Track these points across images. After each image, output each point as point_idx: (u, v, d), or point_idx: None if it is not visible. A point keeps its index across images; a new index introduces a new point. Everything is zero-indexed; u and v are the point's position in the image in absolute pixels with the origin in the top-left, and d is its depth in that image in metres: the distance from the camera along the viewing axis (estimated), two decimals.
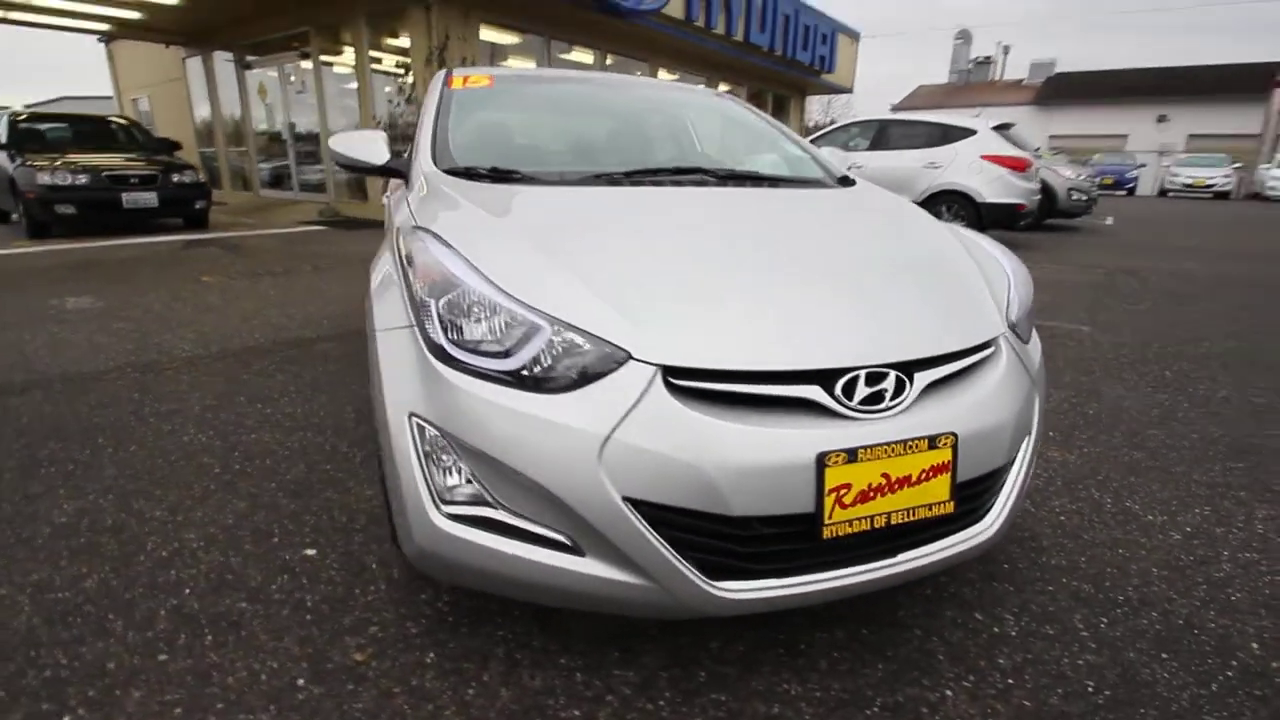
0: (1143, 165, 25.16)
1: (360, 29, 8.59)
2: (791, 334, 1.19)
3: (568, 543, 1.14)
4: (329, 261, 6.20)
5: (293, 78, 10.28)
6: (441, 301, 1.25)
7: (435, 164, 1.84)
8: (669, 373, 1.12)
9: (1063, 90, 35.58)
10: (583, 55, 10.34)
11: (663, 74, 11.98)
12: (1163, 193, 23.29)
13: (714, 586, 1.12)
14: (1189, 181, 21.71)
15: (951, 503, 1.22)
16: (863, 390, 1.16)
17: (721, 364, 1.12)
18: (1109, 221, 11.80)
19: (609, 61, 10.71)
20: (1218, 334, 4.01)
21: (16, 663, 1.31)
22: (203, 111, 12.59)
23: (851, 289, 1.35)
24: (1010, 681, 1.31)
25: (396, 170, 1.99)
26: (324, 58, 9.59)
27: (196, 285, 5.06)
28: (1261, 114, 26.39)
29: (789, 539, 1.14)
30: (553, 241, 1.38)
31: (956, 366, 1.28)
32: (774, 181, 2.08)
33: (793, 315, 1.24)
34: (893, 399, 1.18)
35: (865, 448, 1.13)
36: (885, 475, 1.15)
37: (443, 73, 2.45)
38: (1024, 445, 1.38)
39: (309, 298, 4.70)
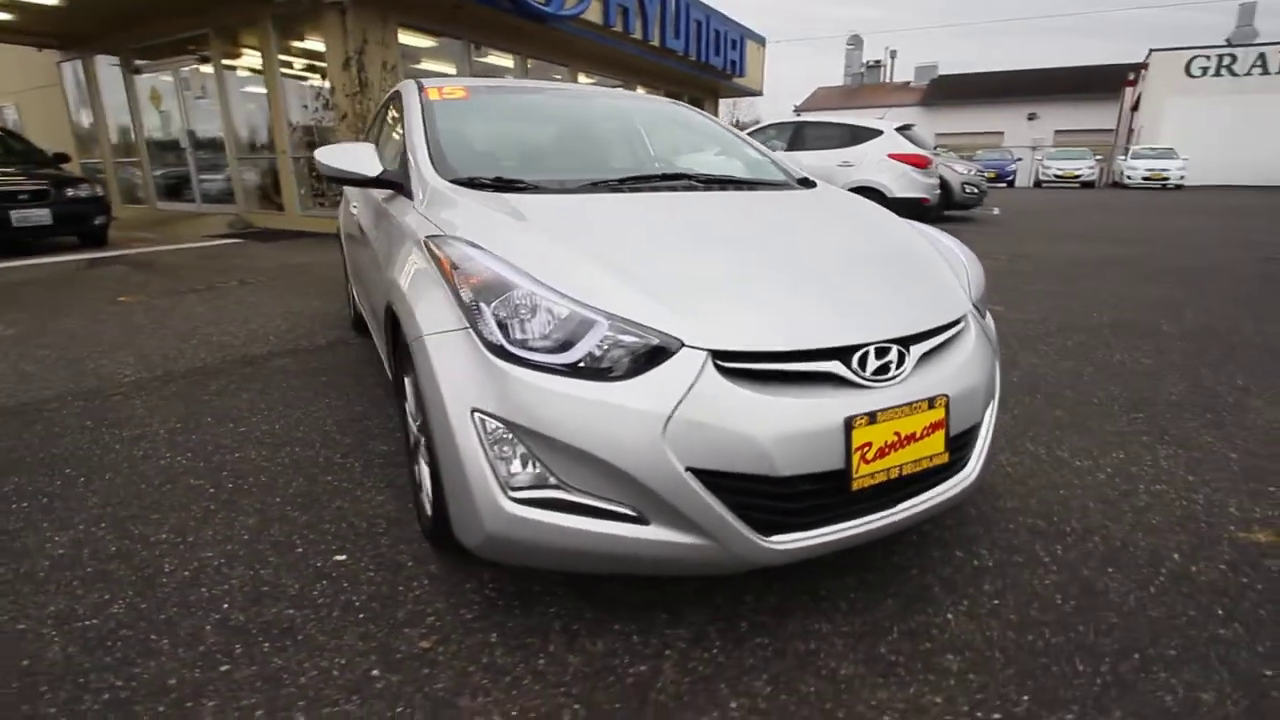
0: (1019, 159, 27.61)
1: (268, 32, 8.19)
2: (811, 318, 1.38)
3: (632, 514, 1.26)
4: (256, 276, 5.93)
5: (191, 83, 9.64)
6: (495, 303, 1.34)
7: (439, 174, 1.90)
8: (716, 356, 1.27)
9: (945, 91, 38.40)
10: (502, 60, 10.28)
11: (582, 78, 12.09)
12: (1038, 184, 25.65)
13: (765, 540, 1.28)
14: (1060, 173, 24.03)
15: (946, 454, 1.44)
16: (873, 363, 1.36)
17: (761, 346, 1.29)
18: (996, 212, 12.93)
19: (530, 66, 10.70)
20: (1105, 308, 4.59)
21: (68, 689, 1.30)
22: (83, 119, 11.55)
23: (850, 278, 1.56)
24: (996, 602, 1.55)
25: (391, 182, 2.03)
26: (226, 61, 9.06)
27: (116, 306, 4.74)
28: (1115, 110, 29.59)
29: (824, 494, 1.32)
30: (581, 243, 1.50)
31: (941, 339, 1.50)
32: (750, 185, 2.27)
33: (809, 302, 1.42)
34: (896, 369, 1.38)
35: (881, 410, 1.33)
36: (896, 433, 1.35)
37: (412, 84, 2.49)
38: (991, 404, 1.63)
39: (247, 314, 4.51)
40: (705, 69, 14.02)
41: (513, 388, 1.28)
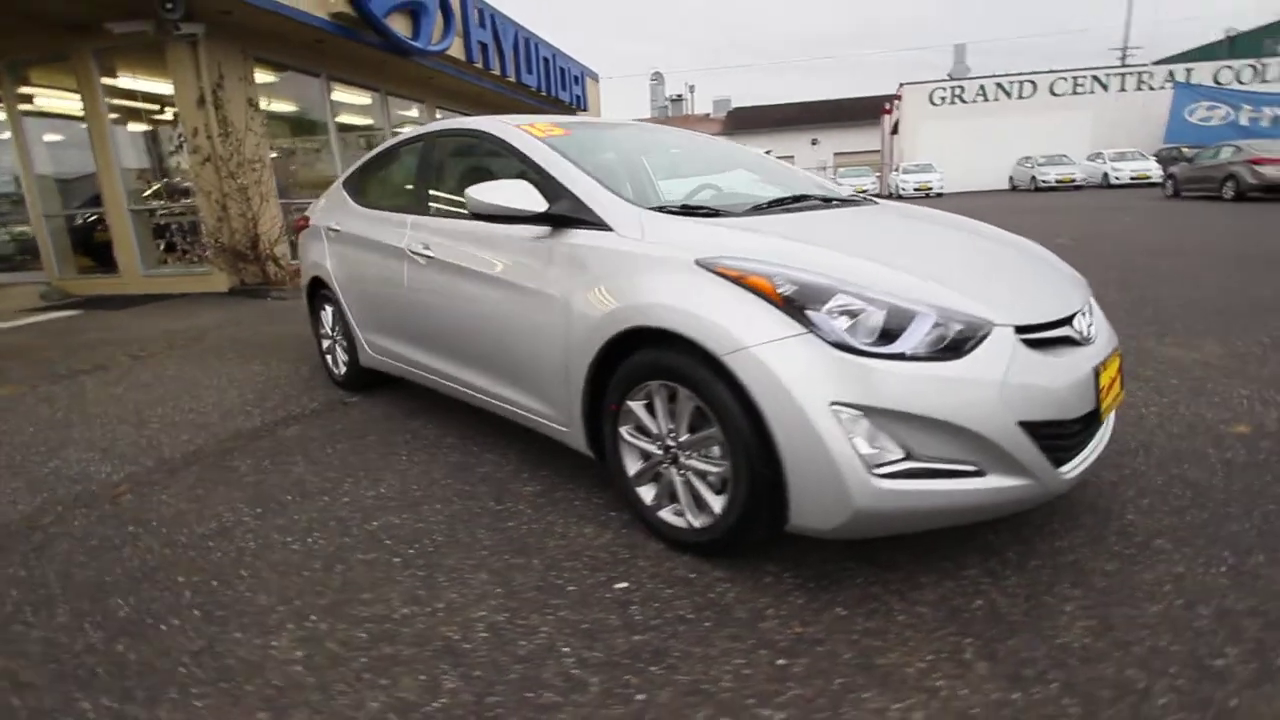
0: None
1: (88, 66, 7.00)
2: (1044, 297, 1.73)
3: (974, 469, 1.50)
4: (145, 348, 5.08)
5: None
6: (826, 308, 1.51)
7: (638, 205, 1.98)
8: (1017, 331, 1.56)
9: (742, 121, 42.85)
10: (355, 95, 9.72)
11: (439, 113, 11.82)
12: None
13: (1062, 472, 1.59)
14: (852, 188, 27.83)
15: (1123, 393, 1.87)
16: (1080, 325, 1.74)
17: (1037, 320, 1.61)
18: None
19: (388, 101, 10.25)
20: None
21: None
22: None
23: (1033, 265, 1.95)
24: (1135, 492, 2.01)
25: (564, 217, 2.05)
26: (29, 98, 7.56)
27: None
28: (879, 134, 35.08)
29: (1083, 428, 1.66)
30: (845, 250, 1.72)
31: (1096, 305, 1.94)
32: (851, 201, 2.57)
33: (1029, 285, 1.78)
34: (1090, 330, 1.78)
35: (1101, 360, 1.71)
36: (1111, 377, 1.75)
37: (500, 123, 2.47)
38: None
39: (185, 389, 3.91)
40: (554, 103, 14.40)
41: (870, 378, 1.46)
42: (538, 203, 2.06)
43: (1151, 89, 25.99)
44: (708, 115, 46.33)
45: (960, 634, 1.48)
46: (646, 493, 1.94)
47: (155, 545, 2.11)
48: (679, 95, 46.82)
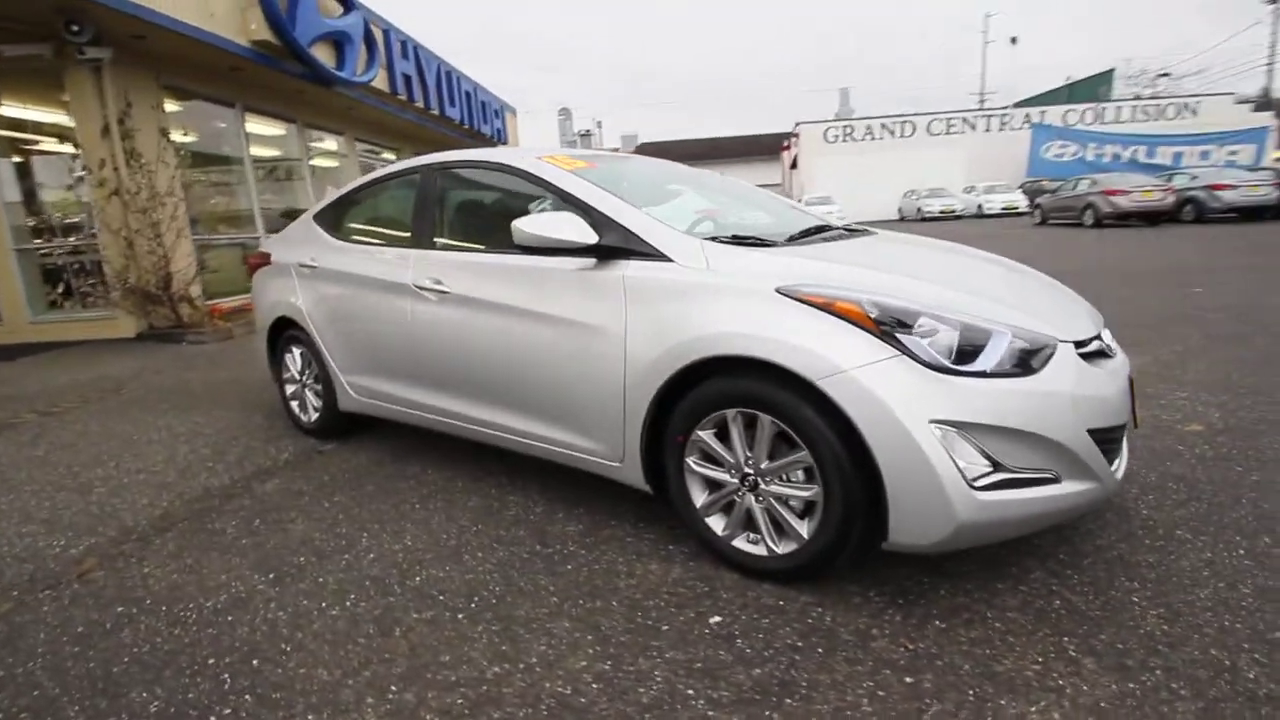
0: None
1: None
2: (1074, 315, 1.90)
3: (1052, 476, 1.61)
4: (55, 404, 4.50)
5: None
6: (917, 331, 1.59)
7: (691, 235, 2.00)
8: (1075, 347, 1.70)
9: (650, 156, 44.04)
10: (270, 127, 9.19)
11: (359, 145, 11.40)
12: None
13: (1115, 473, 1.74)
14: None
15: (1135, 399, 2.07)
16: (1107, 339, 1.93)
17: (1084, 336, 1.76)
18: None
19: (305, 133, 9.77)
20: None
21: None
22: None
23: (1049, 287, 2.13)
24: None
25: (616, 248, 2.03)
26: None
27: None
28: (779, 169, 37.16)
29: (1120, 434, 1.82)
30: (909, 276, 1.82)
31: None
32: (865, 231, 2.69)
33: (1061, 305, 1.95)
34: (1113, 343, 1.97)
35: (1130, 372, 1.89)
36: (1132, 388, 1.93)
37: (533, 157, 2.42)
38: None
39: (122, 447, 3.50)
40: (476, 136, 14.26)
41: (963, 395, 1.54)
42: (588, 235, 2.03)
43: (1013, 129, 29.17)
44: (616, 150, 47.40)
45: (1056, 633, 1.57)
46: (716, 523, 1.93)
47: (160, 625, 1.85)
48: (587, 130, 47.62)
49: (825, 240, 2.33)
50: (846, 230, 2.69)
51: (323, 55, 8.01)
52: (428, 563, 2.10)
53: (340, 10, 8.39)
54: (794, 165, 33.72)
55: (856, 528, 1.65)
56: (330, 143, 10.75)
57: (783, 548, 1.79)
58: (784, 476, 1.76)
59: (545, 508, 2.44)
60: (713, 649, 1.59)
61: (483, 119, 14.23)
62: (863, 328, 1.62)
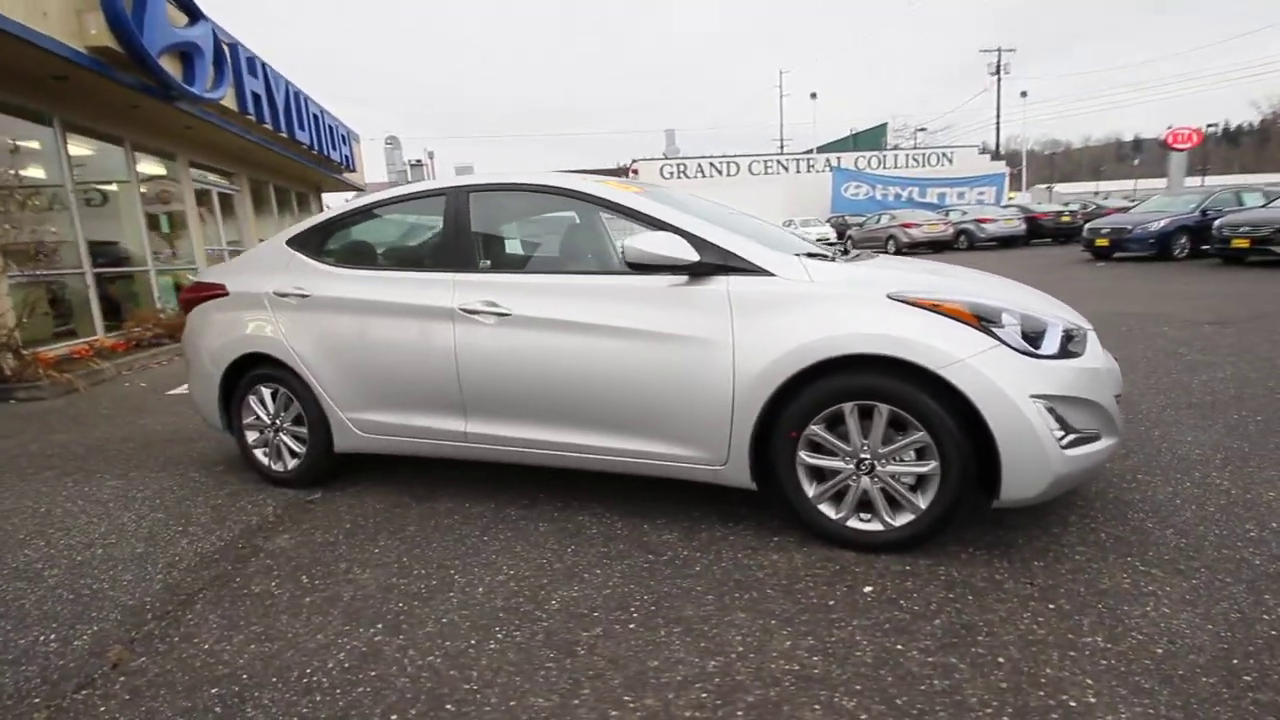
0: None
1: None
2: (1072, 311, 2.42)
3: (1096, 433, 2.06)
4: None
5: None
6: (1006, 324, 1.97)
7: (773, 252, 2.24)
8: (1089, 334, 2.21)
9: None
10: (93, 148, 7.83)
11: (192, 171, 10.06)
12: None
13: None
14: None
15: None
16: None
17: (1089, 325, 2.28)
18: None
19: (134, 156, 8.44)
20: None
21: None
22: None
23: (1034, 291, 2.66)
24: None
25: (718, 266, 2.19)
26: None
27: None
28: None
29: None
30: (962, 282, 2.21)
31: None
32: (867, 254, 3.10)
33: (1054, 302, 2.47)
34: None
35: None
36: None
37: (599, 183, 2.52)
38: None
39: (40, 523, 2.89)
40: (325, 163, 13.30)
41: (1048, 374, 1.94)
42: (690, 253, 2.18)
43: (818, 171, 33.41)
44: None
45: (1120, 555, 2.01)
46: (828, 509, 2.15)
47: (290, 696, 1.64)
48: (419, 160, 45.79)
49: (859, 259, 2.69)
50: (843, 252, 3.10)
51: (170, 67, 7.09)
52: (549, 586, 2.06)
53: (186, 20, 7.49)
54: None
55: (971, 492, 1.97)
56: (160, 168, 9.38)
57: (900, 520, 2.06)
58: (898, 457, 2.04)
59: (623, 521, 2.49)
60: (886, 611, 1.80)
61: (331, 145, 13.27)
62: (967, 324, 1.97)
